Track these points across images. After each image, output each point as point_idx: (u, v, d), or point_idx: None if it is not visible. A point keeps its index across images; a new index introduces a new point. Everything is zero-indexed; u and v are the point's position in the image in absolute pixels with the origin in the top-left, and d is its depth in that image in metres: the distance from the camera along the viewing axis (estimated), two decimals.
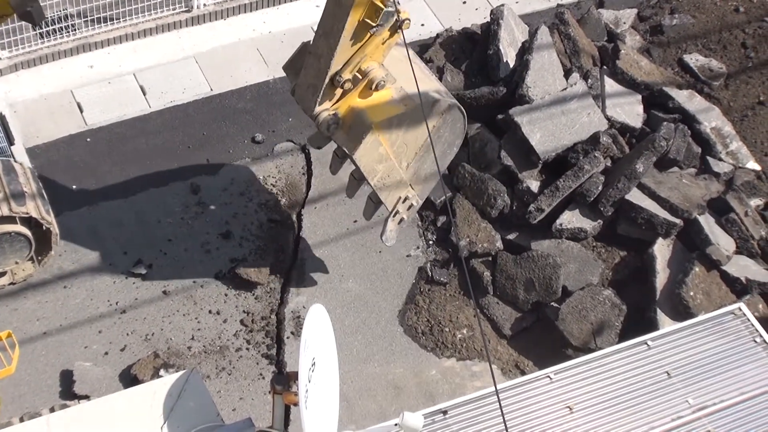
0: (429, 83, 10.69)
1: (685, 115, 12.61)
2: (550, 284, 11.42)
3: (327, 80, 9.99)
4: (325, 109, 10.23)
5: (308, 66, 10.18)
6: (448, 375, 11.15)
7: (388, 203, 10.75)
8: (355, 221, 12.08)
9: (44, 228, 10.60)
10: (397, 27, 9.74)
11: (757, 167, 12.61)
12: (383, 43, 10.00)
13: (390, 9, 9.52)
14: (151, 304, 11.26)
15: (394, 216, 10.86)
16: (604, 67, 12.97)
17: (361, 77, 10.11)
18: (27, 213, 10.36)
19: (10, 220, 10.34)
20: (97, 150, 12.35)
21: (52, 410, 9.39)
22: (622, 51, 12.96)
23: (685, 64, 13.56)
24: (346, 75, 9.98)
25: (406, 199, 10.80)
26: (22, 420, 9.40)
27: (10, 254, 10.61)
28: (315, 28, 13.22)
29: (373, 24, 9.60)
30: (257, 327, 11.19)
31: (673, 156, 12.08)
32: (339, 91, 10.16)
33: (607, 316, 11.31)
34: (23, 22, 12.50)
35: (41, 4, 8.95)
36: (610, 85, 12.68)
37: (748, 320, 9.17)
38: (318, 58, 9.99)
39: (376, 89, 10.18)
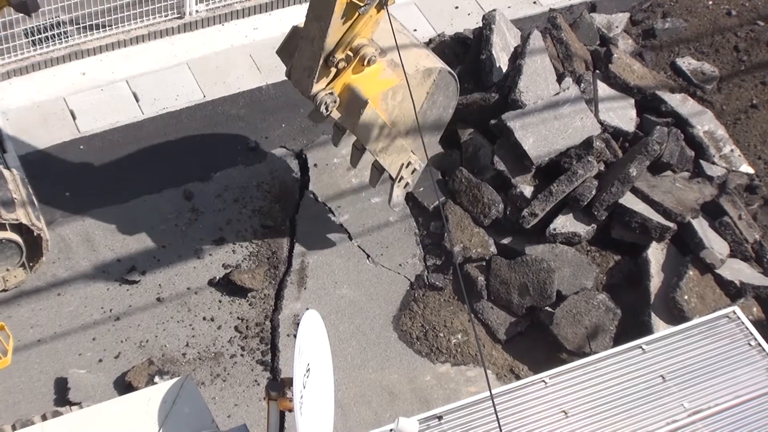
0: (418, 51, 11.11)
1: (678, 119, 12.63)
2: (545, 289, 11.42)
3: (321, 61, 10.31)
4: (321, 89, 10.56)
5: (302, 49, 10.50)
6: (443, 380, 11.15)
7: (392, 170, 11.31)
8: (348, 232, 12.11)
9: (35, 234, 10.60)
10: (383, 4, 10.09)
11: (751, 170, 12.62)
12: (371, 20, 10.34)
13: None
14: (145, 311, 11.24)
15: (399, 181, 11.42)
16: (597, 71, 12.98)
17: (352, 55, 10.46)
18: (17, 220, 10.36)
19: (0, 227, 10.34)
20: (90, 157, 12.34)
21: (44, 417, 9.37)
22: (615, 55, 12.98)
23: (677, 68, 13.59)
24: (339, 55, 10.34)
25: (408, 164, 11.35)
26: (14, 427, 9.39)
27: (1, 261, 10.61)
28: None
29: (361, 4, 9.92)
30: (252, 333, 11.18)
31: (666, 160, 12.09)
32: (333, 71, 10.50)
33: (601, 320, 11.31)
34: (16, 30, 12.51)
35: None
36: (603, 89, 12.69)
37: (743, 323, 9.16)
38: (311, 42, 10.31)
39: (368, 64, 10.57)
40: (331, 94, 10.59)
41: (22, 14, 9.52)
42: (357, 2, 9.90)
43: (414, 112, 10.88)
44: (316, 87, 10.52)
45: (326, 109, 10.61)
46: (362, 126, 10.72)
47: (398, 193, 11.56)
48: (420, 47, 11.30)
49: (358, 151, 11.54)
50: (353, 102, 10.65)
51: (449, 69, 11.17)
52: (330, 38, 10.12)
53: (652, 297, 11.35)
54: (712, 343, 9.01)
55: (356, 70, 10.64)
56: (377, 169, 11.57)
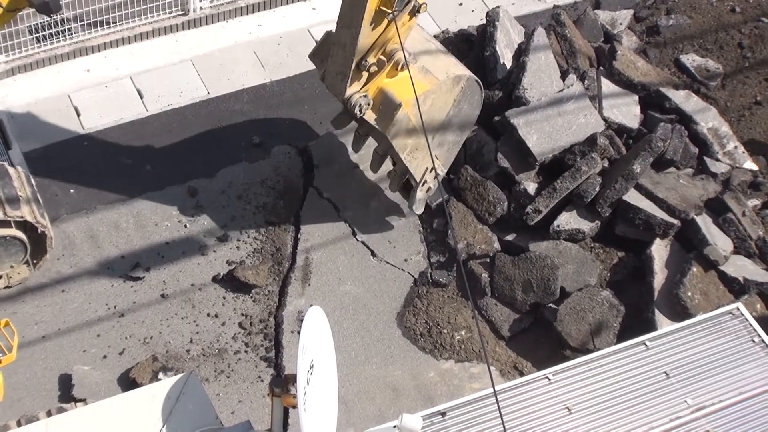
0: (447, 59, 11.43)
1: (682, 116, 12.62)
2: (548, 285, 11.42)
3: (353, 66, 10.60)
4: (355, 92, 10.87)
5: (334, 55, 10.82)
6: (447, 377, 11.15)
7: (417, 174, 11.49)
8: (353, 227, 12.12)
9: (39, 231, 10.61)
10: (416, 11, 10.38)
11: (754, 167, 12.62)
12: (404, 26, 10.56)
13: None
14: (149, 307, 11.26)
15: (422, 185, 11.59)
16: (601, 68, 12.98)
17: (386, 60, 10.76)
18: (22, 217, 10.38)
19: (4, 224, 10.36)
20: (94, 154, 12.36)
21: (48, 414, 9.39)
22: (619, 52, 12.97)
23: (681, 65, 13.58)
24: (371, 59, 10.64)
25: (432, 169, 11.52)
26: (19, 424, 9.41)
27: (6, 258, 10.63)
28: (311, 31, 13.38)
29: (390, 11, 10.15)
30: (255, 330, 11.19)
31: (670, 156, 12.09)
32: (366, 74, 10.81)
33: (605, 316, 11.31)
34: (20, 27, 12.52)
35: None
36: (607, 86, 12.69)
37: (746, 320, 9.17)
38: (342, 47, 10.62)
39: (402, 69, 10.85)
40: (365, 96, 10.90)
41: (44, 15, 9.57)
42: (386, 9, 10.13)
43: (441, 116, 11.20)
44: (350, 90, 10.82)
45: (360, 110, 10.92)
46: (394, 128, 10.99)
47: (420, 196, 11.74)
48: (448, 55, 11.56)
49: (380, 156, 11.80)
50: (387, 104, 10.95)
51: (476, 77, 11.45)
52: (361, 44, 10.38)
53: (656, 294, 11.35)
54: (715, 339, 9.01)
55: (390, 75, 10.95)
56: (398, 174, 11.75)
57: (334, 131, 12.50)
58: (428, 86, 10.98)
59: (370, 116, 11.05)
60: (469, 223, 11.93)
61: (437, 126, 11.36)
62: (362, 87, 10.89)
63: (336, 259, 11.84)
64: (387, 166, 11.91)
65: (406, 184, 11.84)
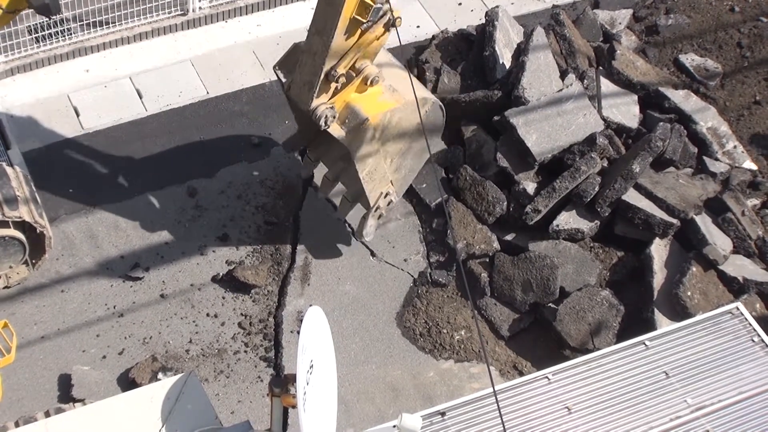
0: (413, 81, 11.05)
1: (681, 115, 12.63)
2: (548, 285, 11.42)
3: (322, 76, 10.26)
4: (321, 103, 10.50)
5: (303, 64, 10.48)
6: (446, 377, 11.15)
7: (371, 198, 11.17)
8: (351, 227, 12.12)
9: (38, 232, 10.61)
10: (390, 25, 10.07)
11: (754, 167, 12.62)
12: (377, 40, 10.32)
13: (378, 5, 9.82)
14: (148, 307, 11.25)
15: (374, 211, 11.34)
16: (600, 67, 12.98)
17: (355, 74, 10.46)
18: (20, 217, 10.38)
19: (3, 224, 10.37)
20: (93, 154, 12.35)
21: (47, 414, 9.38)
22: (618, 51, 12.98)
23: (680, 64, 13.59)
24: (341, 70, 10.29)
25: (387, 194, 11.31)
26: (17, 424, 9.39)
27: (5, 258, 10.63)
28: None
29: (364, 20, 9.90)
30: (255, 330, 11.19)
31: (669, 156, 12.09)
32: (333, 86, 10.44)
33: (604, 316, 11.31)
34: (19, 27, 12.52)
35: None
36: (606, 85, 12.69)
37: (746, 320, 9.17)
38: (312, 56, 10.30)
39: (371, 85, 10.58)
40: (332, 108, 10.54)
41: (43, 16, 9.54)
42: (360, 19, 9.88)
43: (402, 140, 10.94)
44: (316, 101, 10.47)
45: (326, 122, 10.55)
46: (358, 143, 10.68)
47: (372, 223, 11.47)
48: (413, 78, 11.34)
49: (330, 181, 11.56)
50: (353, 119, 10.65)
51: (440, 102, 11.24)
52: (332, 53, 10.09)
53: (655, 293, 11.35)
54: (715, 339, 9.01)
55: (358, 90, 10.66)
56: (348, 201, 11.52)
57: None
58: (395, 104, 10.73)
59: (334, 129, 10.69)
60: (469, 222, 11.93)
61: (397, 149, 11.06)
62: (329, 99, 10.53)
63: (335, 259, 11.84)
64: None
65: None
